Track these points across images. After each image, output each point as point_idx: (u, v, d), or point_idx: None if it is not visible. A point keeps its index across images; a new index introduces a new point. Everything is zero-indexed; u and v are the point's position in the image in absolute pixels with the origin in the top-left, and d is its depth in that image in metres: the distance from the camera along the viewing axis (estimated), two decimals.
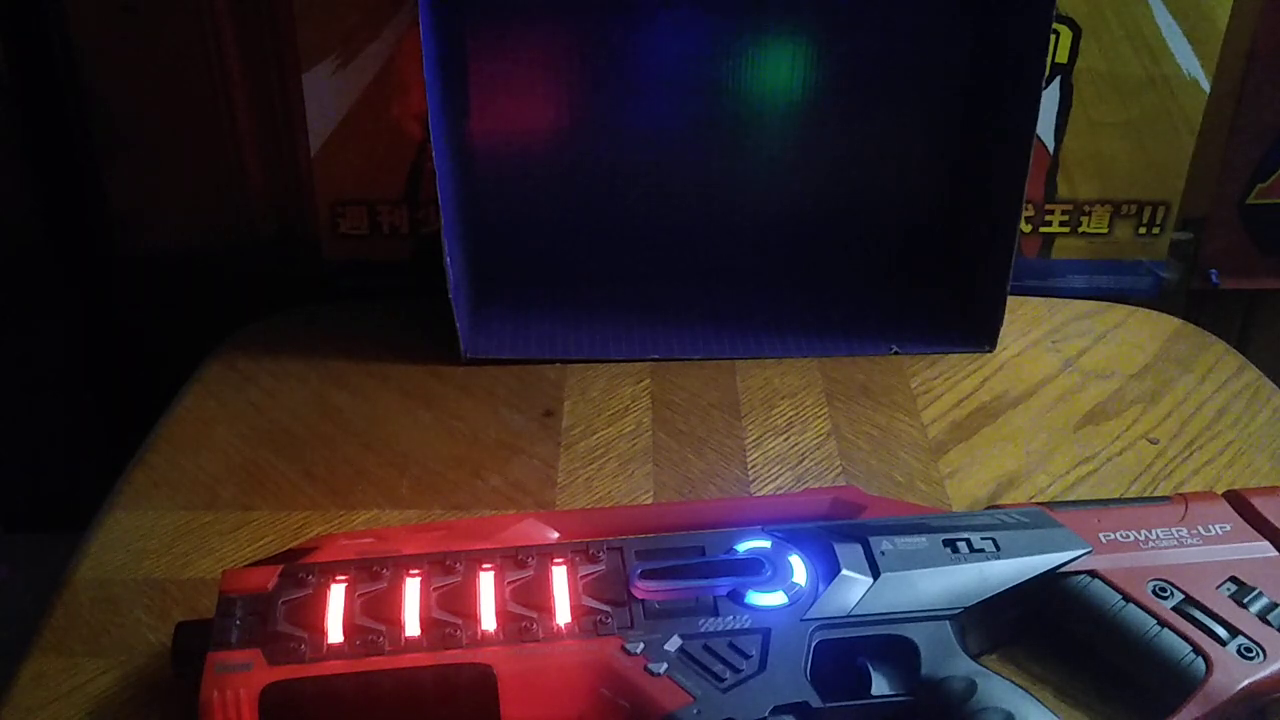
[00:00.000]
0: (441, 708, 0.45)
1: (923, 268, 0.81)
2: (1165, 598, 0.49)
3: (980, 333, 0.74)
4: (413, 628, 0.46)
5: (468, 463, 0.64)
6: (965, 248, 0.77)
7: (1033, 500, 0.59)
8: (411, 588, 0.47)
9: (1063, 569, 0.50)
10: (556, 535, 0.52)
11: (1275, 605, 0.49)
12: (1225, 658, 0.47)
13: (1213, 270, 0.84)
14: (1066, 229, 0.81)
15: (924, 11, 0.75)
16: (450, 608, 0.47)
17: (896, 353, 0.73)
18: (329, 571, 0.48)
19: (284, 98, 0.77)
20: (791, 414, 0.68)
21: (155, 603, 0.54)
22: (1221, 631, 0.48)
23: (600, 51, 0.75)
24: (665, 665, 0.45)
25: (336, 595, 0.47)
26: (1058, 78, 0.76)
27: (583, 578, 0.48)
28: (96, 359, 0.85)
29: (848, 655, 0.47)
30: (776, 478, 0.63)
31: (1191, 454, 0.65)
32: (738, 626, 0.46)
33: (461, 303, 0.71)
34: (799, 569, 0.49)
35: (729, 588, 0.48)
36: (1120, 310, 0.79)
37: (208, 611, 0.47)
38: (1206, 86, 0.77)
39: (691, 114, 0.77)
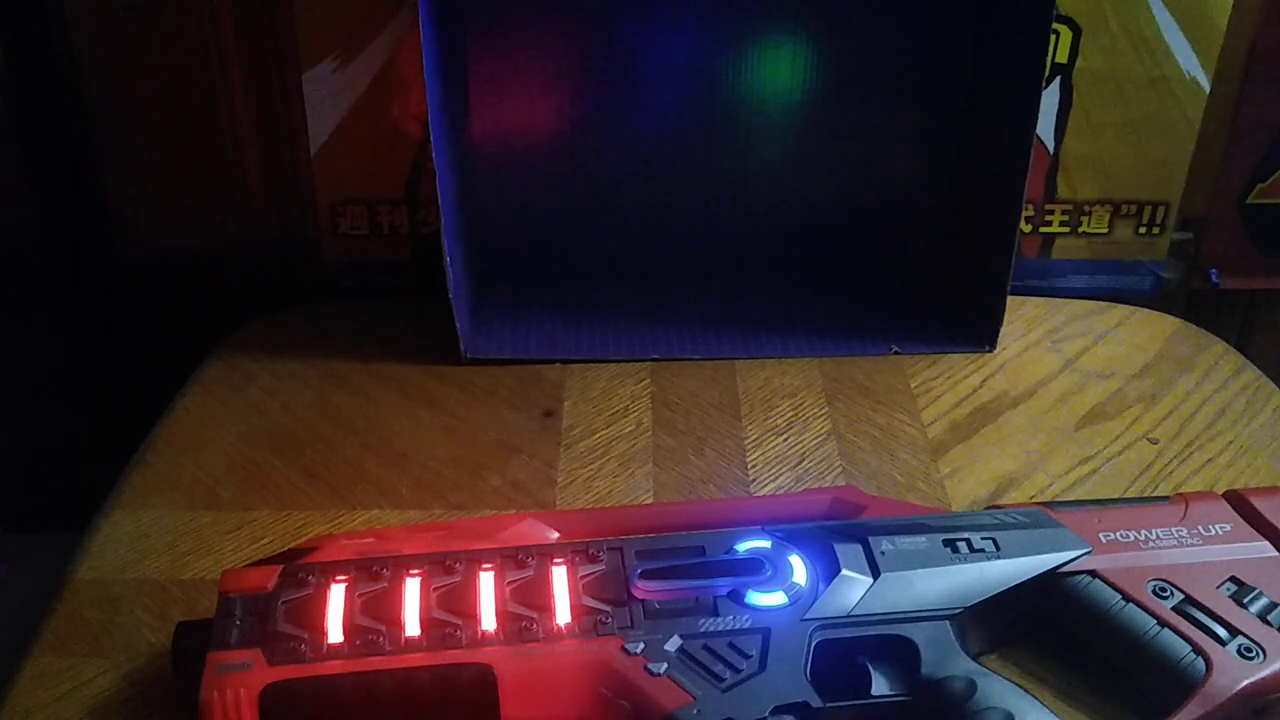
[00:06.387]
0: (441, 708, 0.45)
1: (923, 268, 0.81)
2: (1165, 598, 0.49)
3: (980, 333, 0.74)
4: (413, 628, 0.46)
5: (468, 463, 0.64)
6: (965, 248, 0.77)
7: (1033, 500, 0.59)
8: (411, 588, 0.47)
9: (1063, 569, 0.50)
10: (556, 535, 0.52)
11: (1275, 605, 0.49)
12: (1225, 658, 0.47)
13: (1213, 270, 0.84)
14: (1066, 229, 0.81)
15: (924, 11, 0.75)
16: (450, 608, 0.47)
17: (896, 353, 0.73)
18: (329, 571, 0.48)
19: (284, 98, 0.77)
20: (791, 414, 0.68)
21: (155, 603, 0.54)
22: (1221, 631, 0.48)
23: (600, 52, 0.75)
24: (665, 665, 0.45)
25: (336, 595, 0.47)
26: (1058, 78, 0.76)
27: (583, 578, 0.48)
28: (96, 359, 0.85)
29: (848, 655, 0.47)
30: (776, 478, 0.63)
31: (1191, 454, 0.65)
32: (738, 626, 0.46)
33: (461, 303, 0.71)
34: (799, 569, 0.49)
35: (729, 588, 0.48)
36: (1120, 310, 0.79)
37: (208, 611, 0.47)
38: (1206, 86, 0.77)
39: (691, 114, 0.77)
